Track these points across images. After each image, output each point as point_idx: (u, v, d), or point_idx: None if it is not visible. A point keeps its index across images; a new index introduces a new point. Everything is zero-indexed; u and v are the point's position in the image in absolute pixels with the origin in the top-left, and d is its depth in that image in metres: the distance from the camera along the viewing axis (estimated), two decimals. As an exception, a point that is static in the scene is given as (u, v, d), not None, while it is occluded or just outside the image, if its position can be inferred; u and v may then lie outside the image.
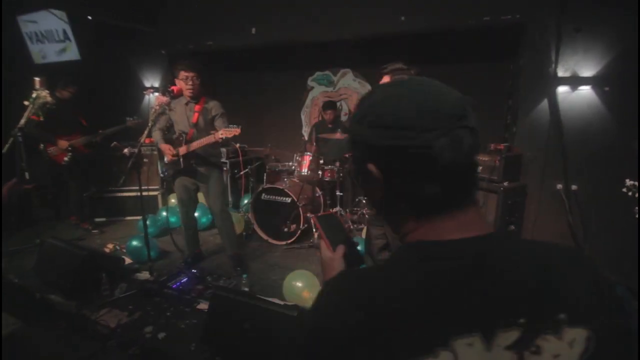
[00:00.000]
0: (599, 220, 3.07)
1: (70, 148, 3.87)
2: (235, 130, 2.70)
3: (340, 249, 0.76)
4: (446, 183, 0.51)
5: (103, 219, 4.49)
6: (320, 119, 4.53)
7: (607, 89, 2.94)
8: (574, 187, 3.14)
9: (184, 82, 2.81)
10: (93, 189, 4.43)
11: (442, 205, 0.52)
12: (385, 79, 2.07)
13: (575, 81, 3.04)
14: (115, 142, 3.96)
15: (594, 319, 0.48)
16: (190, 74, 2.81)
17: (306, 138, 5.16)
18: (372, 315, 0.46)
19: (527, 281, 0.48)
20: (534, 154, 3.24)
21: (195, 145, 2.85)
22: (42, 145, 3.85)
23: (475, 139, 0.51)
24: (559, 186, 3.19)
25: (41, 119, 3.55)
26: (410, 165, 0.50)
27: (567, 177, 3.16)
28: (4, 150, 3.06)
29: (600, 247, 3.06)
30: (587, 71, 2.99)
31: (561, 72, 3.08)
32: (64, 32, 4.61)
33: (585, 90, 3.02)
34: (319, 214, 0.87)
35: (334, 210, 3.95)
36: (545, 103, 3.19)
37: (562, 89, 3.10)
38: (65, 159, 3.88)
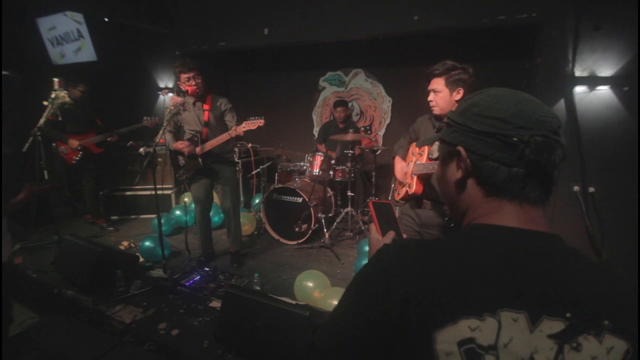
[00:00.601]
0: (617, 224, 2.99)
1: (80, 147, 3.93)
2: (259, 122, 2.72)
3: (390, 234, 0.82)
4: (526, 177, 0.57)
5: (121, 217, 4.58)
6: (331, 118, 4.53)
7: (626, 89, 2.87)
8: (591, 189, 3.07)
9: (187, 83, 2.84)
10: (107, 188, 4.51)
11: (516, 194, 0.58)
12: (438, 82, 1.85)
13: (593, 81, 2.97)
14: (131, 142, 4.02)
15: (635, 335, 0.49)
16: (190, 74, 2.83)
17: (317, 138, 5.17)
18: (428, 276, 0.53)
19: (580, 282, 0.52)
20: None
21: (213, 142, 2.88)
22: (53, 144, 3.93)
23: (564, 154, 0.58)
24: (576, 188, 3.12)
25: (60, 119, 3.65)
26: (499, 152, 0.57)
27: (584, 179, 3.09)
28: (24, 150, 3.15)
29: (619, 252, 2.99)
30: (606, 71, 2.92)
31: (579, 72, 3.01)
32: (78, 31, 4.71)
33: (604, 90, 2.95)
34: (375, 200, 0.91)
35: (347, 209, 3.95)
36: (561, 103, 3.13)
37: (579, 89, 3.03)
38: (76, 158, 3.96)
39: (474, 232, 0.60)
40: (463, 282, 0.51)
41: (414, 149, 2.14)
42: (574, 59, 3.00)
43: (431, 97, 1.88)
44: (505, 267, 0.53)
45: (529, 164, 0.56)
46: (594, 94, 2.99)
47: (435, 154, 1.52)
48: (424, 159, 1.93)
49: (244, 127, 2.72)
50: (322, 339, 0.62)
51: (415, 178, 1.96)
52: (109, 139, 4.03)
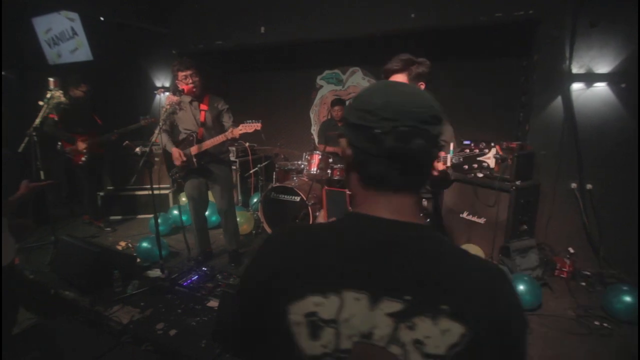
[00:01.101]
0: (614, 221, 3.00)
1: (87, 149, 3.92)
2: (256, 125, 2.70)
3: (333, 219, 0.85)
4: (388, 167, 0.60)
5: (118, 217, 4.56)
6: (329, 116, 4.52)
7: (623, 85, 2.87)
8: (588, 186, 3.08)
9: (184, 82, 2.83)
10: (108, 187, 4.49)
11: (381, 184, 0.62)
12: (399, 78, 1.81)
13: (590, 78, 2.97)
14: (127, 142, 4.00)
15: (475, 321, 0.53)
16: (187, 72, 2.82)
17: (315, 137, 5.16)
18: (276, 261, 0.63)
19: (425, 269, 0.57)
20: (545, 152, 3.18)
21: (208, 144, 2.87)
22: (59, 144, 3.90)
23: (430, 143, 0.60)
24: (574, 185, 3.13)
25: (55, 119, 3.62)
26: (367, 143, 0.60)
27: (581, 176, 3.10)
28: (20, 150, 3.13)
29: (616, 248, 3.00)
30: (603, 67, 2.92)
31: (576, 69, 3.01)
32: (73, 29, 4.68)
33: (601, 87, 2.95)
34: (330, 188, 0.90)
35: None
36: (559, 100, 3.13)
37: (576, 86, 3.03)
38: (83, 158, 3.93)
39: (346, 221, 0.65)
40: (316, 264, 0.59)
41: None
42: (571, 56, 3.01)
43: None
44: (356, 252, 0.59)
45: (390, 154, 0.59)
46: (591, 91, 2.99)
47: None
48: None
49: (241, 130, 2.71)
50: (218, 320, 0.76)
51: None
52: (113, 139, 4.01)
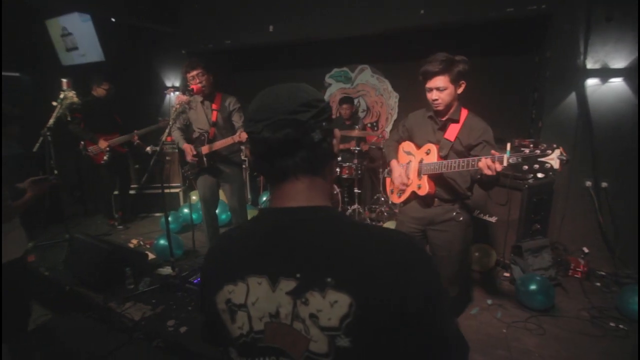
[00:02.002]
0: (630, 220, 2.92)
1: (109, 148, 3.97)
2: None
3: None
4: (266, 161, 0.65)
5: (145, 215, 4.64)
6: (337, 115, 4.50)
7: (640, 80, 2.79)
8: (604, 184, 3.00)
9: (192, 81, 2.84)
10: (129, 185, 4.53)
11: (269, 178, 0.68)
12: (441, 80, 1.77)
13: (605, 73, 2.89)
14: (138, 141, 4.05)
15: (360, 290, 0.55)
16: (196, 72, 2.82)
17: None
18: (208, 260, 0.73)
19: (313, 247, 0.60)
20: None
21: (218, 145, 2.89)
22: (82, 143, 3.96)
23: (300, 128, 0.62)
24: (588, 183, 3.06)
25: (69, 118, 3.69)
26: (254, 147, 0.66)
27: (596, 174, 3.03)
28: (34, 150, 3.19)
29: (632, 248, 2.92)
30: (619, 62, 2.84)
31: (590, 64, 2.94)
32: (84, 30, 4.74)
33: (617, 82, 2.87)
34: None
35: (355, 206, 3.93)
36: (573, 96, 3.06)
37: (591, 82, 2.96)
38: (105, 158, 3.98)
39: (256, 217, 0.71)
40: (229, 258, 0.67)
41: (407, 147, 2.10)
42: (586, 51, 2.93)
43: (435, 95, 1.82)
44: (255, 242, 0.65)
45: (261, 151, 0.65)
46: (606, 87, 2.92)
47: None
48: (434, 158, 1.89)
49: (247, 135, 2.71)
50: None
51: (425, 178, 1.93)
52: (134, 140, 4.05)
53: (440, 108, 1.86)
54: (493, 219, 3.16)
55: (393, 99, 4.73)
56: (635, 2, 2.69)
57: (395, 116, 4.75)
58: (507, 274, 3.01)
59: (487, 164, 1.52)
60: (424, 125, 2.02)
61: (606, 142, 2.96)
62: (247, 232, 0.70)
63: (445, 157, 1.88)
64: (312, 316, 0.57)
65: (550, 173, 1.40)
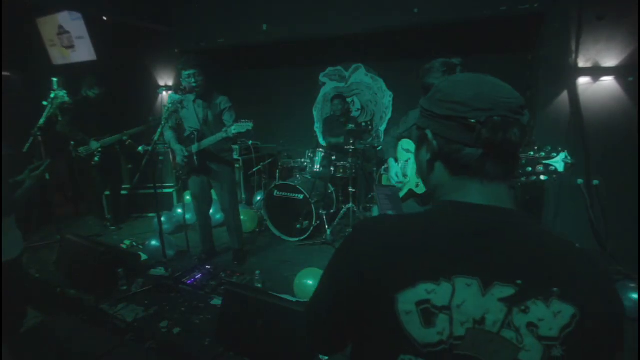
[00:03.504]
0: (621, 217, 2.96)
1: (100, 148, 3.93)
2: (247, 125, 2.70)
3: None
4: (484, 155, 0.60)
5: (123, 216, 4.58)
6: (331, 113, 4.50)
7: (631, 79, 2.82)
8: (595, 182, 3.03)
9: (188, 80, 2.83)
10: (121, 185, 4.49)
11: (477, 172, 0.62)
12: None
13: (597, 72, 2.92)
14: (129, 140, 4.02)
15: (584, 302, 0.55)
16: (192, 71, 2.82)
17: (318, 134, 5.14)
18: (387, 246, 0.61)
19: (534, 253, 0.58)
20: (551, 148, 3.13)
21: (206, 142, 2.88)
22: (72, 143, 3.91)
23: (523, 132, 0.60)
24: (580, 181, 3.09)
25: (59, 118, 3.64)
26: (459, 133, 0.61)
27: (588, 171, 3.05)
28: (24, 149, 3.15)
29: (623, 245, 2.95)
30: (610, 61, 2.87)
31: (582, 63, 2.96)
32: (76, 29, 4.69)
33: (608, 81, 2.90)
34: (380, 185, 0.90)
35: (349, 205, 3.93)
36: (565, 95, 3.08)
37: (583, 80, 2.98)
38: (96, 158, 3.95)
39: (439, 208, 0.66)
40: (423, 252, 0.59)
41: (407, 145, 2.09)
42: (577, 49, 2.95)
43: None
44: (462, 239, 0.59)
45: (487, 143, 0.59)
46: (598, 85, 2.94)
47: None
48: None
49: (234, 130, 2.71)
50: (307, 311, 0.73)
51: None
52: (122, 139, 4.01)
53: None
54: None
55: (387, 97, 4.74)
56: (625, 2, 2.72)
57: (389, 115, 4.76)
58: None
59: None
60: None
61: (598, 140, 2.99)
62: (433, 223, 0.63)
63: None
64: (531, 325, 0.55)
65: (554, 176, 1.41)
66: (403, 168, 2.04)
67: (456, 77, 0.67)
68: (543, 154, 1.40)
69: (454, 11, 3.32)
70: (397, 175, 2.02)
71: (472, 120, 0.59)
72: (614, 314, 0.57)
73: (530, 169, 1.41)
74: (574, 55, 2.97)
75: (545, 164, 1.39)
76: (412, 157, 2.04)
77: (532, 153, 1.43)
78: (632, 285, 2.44)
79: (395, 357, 0.58)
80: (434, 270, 0.57)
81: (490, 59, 3.90)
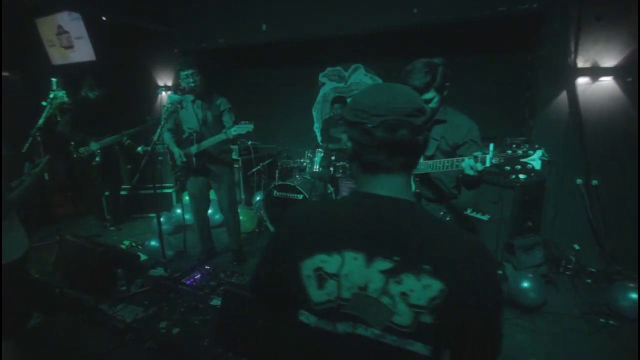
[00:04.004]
0: (620, 217, 2.96)
1: (98, 151, 3.93)
2: (247, 127, 2.70)
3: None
4: (379, 154, 0.73)
5: (122, 216, 4.58)
6: (331, 114, 4.50)
7: (629, 79, 2.82)
8: (594, 182, 3.03)
9: (186, 80, 2.82)
10: (120, 186, 4.48)
11: (378, 168, 0.75)
12: (427, 94, 1.71)
13: (596, 72, 2.92)
14: (128, 141, 4.01)
15: (454, 281, 0.65)
16: (190, 71, 2.81)
17: (318, 134, 5.14)
18: (292, 225, 0.81)
19: (411, 235, 0.70)
20: (550, 148, 3.14)
21: (206, 144, 2.88)
22: (72, 144, 3.91)
23: (413, 131, 0.70)
24: (579, 181, 3.09)
25: (58, 118, 3.64)
26: (361, 137, 0.73)
27: (587, 172, 3.06)
28: (23, 150, 3.15)
29: (622, 245, 2.96)
30: (609, 61, 2.87)
31: (581, 63, 2.97)
32: (75, 29, 4.69)
33: (607, 81, 2.91)
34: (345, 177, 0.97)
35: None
36: (564, 95, 3.09)
37: (582, 80, 2.98)
38: (97, 159, 3.94)
39: (349, 197, 0.80)
40: (323, 230, 0.75)
41: None
42: (576, 50, 2.96)
43: None
44: (356, 221, 0.73)
45: (381, 144, 0.71)
46: (596, 85, 2.95)
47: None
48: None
49: (234, 132, 2.71)
50: (248, 285, 0.94)
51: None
52: (121, 139, 4.01)
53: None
54: (485, 217, 3.18)
55: (386, 98, 4.74)
56: (624, 2, 2.72)
57: (388, 115, 4.76)
58: (499, 272, 3.03)
59: (470, 165, 1.52)
60: None
61: (596, 140, 2.99)
62: (340, 208, 0.79)
63: (431, 157, 1.87)
64: (403, 294, 0.66)
65: (532, 174, 1.40)
66: None
67: (369, 87, 0.78)
68: (520, 152, 1.40)
69: (454, 11, 3.32)
70: None
71: (369, 125, 0.71)
72: (485, 299, 0.67)
73: (508, 167, 1.41)
74: (573, 56, 2.98)
75: (522, 162, 1.40)
76: None
77: (509, 152, 1.42)
78: (632, 285, 2.45)
79: (297, 312, 0.74)
80: (329, 245, 0.72)
81: (489, 59, 3.90)
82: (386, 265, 0.68)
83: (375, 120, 0.70)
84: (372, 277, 0.68)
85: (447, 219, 1.97)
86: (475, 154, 1.52)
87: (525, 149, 1.39)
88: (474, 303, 0.66)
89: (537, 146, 1.38)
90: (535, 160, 1.38)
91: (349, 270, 0.70)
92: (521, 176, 1.41)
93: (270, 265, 0.83)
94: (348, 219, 0.74)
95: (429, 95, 1.74)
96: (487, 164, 1.47)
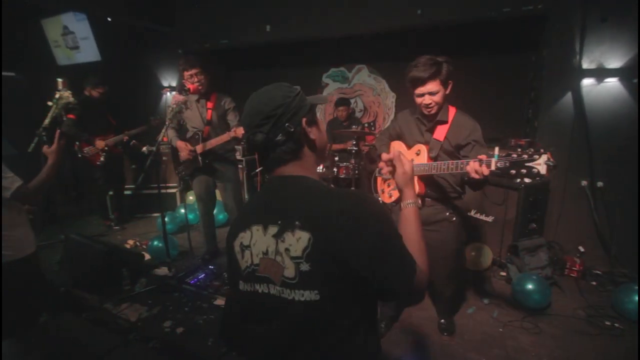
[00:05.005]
0: (626, 219, 2.94)
1: (106, 148, 3.94)
2: None
3: None
4: (261, 155, 0.91)
5: (127, 216, 4.60)
6: (334, 115, 4.50)
7: (635, 81, 2.80)
8: (599, 183, 3.02)
9: (190, 80, 2.83)
10: (124, 185, 4.50)
11: (267, 163, 0.92)
12: (433, 84, 1.75)
13: (601, 73, 2.91)
14: (134, 141, 4.03)
15: (316, 229, 0.78)
16: (193, 71, 2.82)
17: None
18: (234, 221, 1.01)
19: (289, 201, 0.85)
20: (554, 149, 3.12)
21: (213, 142, 2.88)
22: (77, 144, 3.92)
23: (264, 137, 0.86)
24: (584, 183, 3.07)
25: (64, 118, 3.66)
26: (248, 145, 0.91)
27: (592, 173, 3.04)
28: (29, 150, 3.17)
29: (627, 247, 2.94)
30: (614, 62, 2.86)
31: (586, 64, 2.95)
32: (80, 30, 4.71)
33: (612, 82, 2.89)
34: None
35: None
36: (569, 96, 3.07)
37: (586, 82, 2.97)
38: (102, 159, 3.96)
39: (265, 183, 1.01)
40: (245, 213, 0.96)
41: (398, 147, 2.08)
42: (581, 51, 2.95)
43: (427, 99, 1.81)
44: (257, 200, 0.96)
45: (254, 148, 0.89)
46: (602, 87, 2.93)
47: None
48: (424, 159, 1.88)
49: (243, 130, 2.71)
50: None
51: (415, 178, 1.92)
52: (127, 140, 4.02)
53: (433, 112, 1.86)
54: (489, 219, 3.17)
55: (390, 98, 4.74)
56: (630, 3, 2.71)
57: (392, 116, 4.75)
58: (503, 273, 3.02)
59: (475, 168, 1.51)
60: (412, 126, 2.02)
61: (602, 141, 2.98)
62: (256, 195, 1.00)
63: (435, 158, 1.87)
64: (286, 250, 0.80)
65: (537, 178, 1.40)
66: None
67: (248, 100, 0.92)
68: (526, 156, 1.39)
69: (458, 12, 3.32)
70: (390, 173, 2.01)
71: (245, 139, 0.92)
72: (345, 239, 0.76)
73: (514, 171, 1.41)
74: (577, 57, 2.96)
75: (527, 166, 1.39)
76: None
77: (514, 156, 1.42)
78: (636, 287, 2.43)
79: (237, 281, 0.91)
80: (245, 224, 0.90)
81: (493, 60, 3.90)
82: (275, 230, 0.83)
83: (245, 134, 0.90)
84: (269, 242, 0.83)
85: (454, 219, 1.97)
86: (480, 157, 1.52)
87: (530, 153, 1.38)
88: (342, 241, 0.76)
89: (542, 150, 1.37)
90: (541, 164, 1.38)
91: (255, 240, 0.86)
92: (527, 180, 1.40)
93: (228, 258, 0.98)
94: (257, 201, 0.96)
95: (434, 87, 1.76)
96: (492, 168, 1.47)
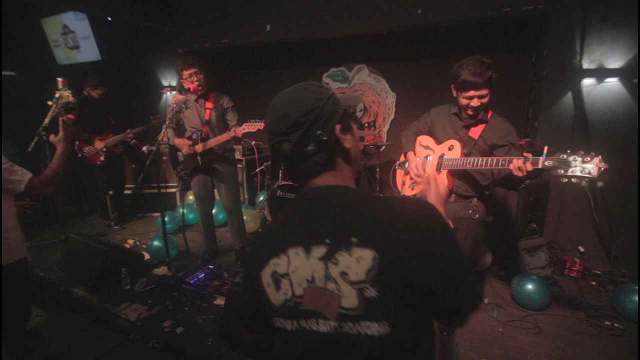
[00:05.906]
0: (625, 219, 2.94)
1: (105, 148, 3.95)
2: (259, 125, 2.70)
3: None
4: (288, 166, 0.79)
5: (141, 214, 4.61)
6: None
7: (635, 81, 2.80)
8: (599, 184, 3.02)
9: (188, 80, 2.83)
10: (124, 185, 4.50)
11: (293, 175, 0.79)
12: (484, 89, 1.78)
13: (601, 73, 2.91)
14: (134, 140, 4.03)
15: (380, 245, 0.64)
16: (192, 71, 2.81)
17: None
18: (255, 244, 0.85)
19: (335, 215, 0.70)
20: (555, 149, 3.12)
21: (212, 142, 2.88)
22: (77, 144, 3.93)
23: (291, 146, 0.74)
24: (584, 183, 3.07)
25: (64, 118, 3.64)
26: (273, 154, 0.78)
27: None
28: (29, 149, 3.16)
29: (627, 247, 2.94)
30: (615, 62, 2.86)
31: (586, 64, 2.95)
32: (80, 29, 4.71)
33: (612, 82, 2.89)
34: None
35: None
36: (569, 96, 3.07)
37: (587, 82, 2.97)
38: (102, 158, 3.96)
39: (292, 200, 0.87)
40: (272, 237, 0.79)
41: (426, 141, 2.09)
42: (582, 50, 2.95)
43: (476, 102, 1.81)
44: (290, 219, 0.78)
45: (280, 158, 0.77)
46: (602, 87, 2.93)
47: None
48: (457, 154, 1.89)
49: (244, 130, 2.71)
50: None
51: (444, 172, 1.93)
52: (129, 140, 4.02)
53: (477, 111, 1.88)
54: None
55: (390, 98, 4.73)
56: (630, 3, 2.71)
57: (392, 116, 4.75)
58: (503, 273, 3.02)
59: (519, 166, 1.55)
60: (447, 121, 2.02)
61: (602, 141, 2.97)
62: (286, 213, 0.80)
63: (467, 155, 1.89)
64: (342, 274, 0.66)
65: (586, 180, 1.42)
66: (422, 164, 2.03)
67: (270, 106, 0.80)
68: (577, 157, 1.41)
69: (458, 12, 3.32)
70: (417, 167, 2.01)
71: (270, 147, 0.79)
72: (425, 248, 0.64)
73: (561, 171, 1.42)
74: (578, 57, 2.96)
75: (577, 167, 1.41)
76: (432, 154, 2.04)
77: (564, 156, 1.43)
78: (636, 287, 2.42)
79: (272, 321, 0.76)
80: (278, 248, 0.74)
81: (493, 60, 3.88)
82: (321, 250, 0.68)
83: (271, 142, 0.78)
84: (315, 266, 0.68)
85: (476, 216, 1.98)
86: (526, 154, 1.55)
87: (581, 154, 1.43)
88: (412, 256, 0.63)
89: (593, 154, 1.41)
90: (593, 167, 1.41)
91: (295, 266, 0.71)
92: (574, 180, 1.43)
93: (248, 292, 0.83)
94: (289, 219, 0.78)
95: (485, 91, 1.79)
96: (540, 166, 1.49)
